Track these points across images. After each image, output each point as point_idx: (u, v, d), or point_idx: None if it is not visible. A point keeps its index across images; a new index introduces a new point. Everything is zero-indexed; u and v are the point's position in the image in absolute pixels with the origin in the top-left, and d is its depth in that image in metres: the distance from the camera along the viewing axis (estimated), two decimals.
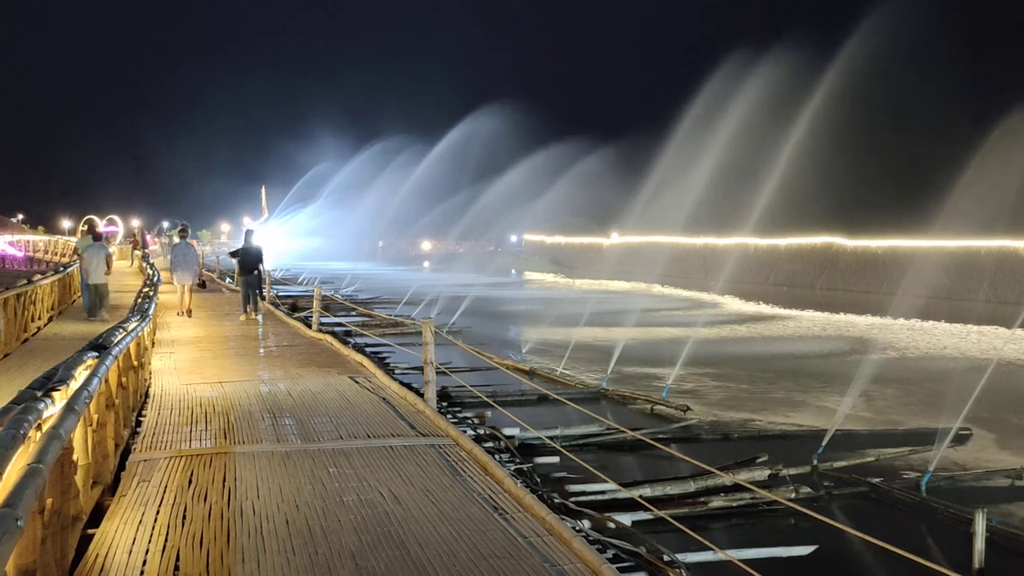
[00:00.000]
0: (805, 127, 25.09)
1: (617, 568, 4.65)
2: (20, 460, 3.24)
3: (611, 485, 7.33)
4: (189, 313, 18.43)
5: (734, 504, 7.99)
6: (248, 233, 19.12)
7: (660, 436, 9.95)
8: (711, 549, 5.34)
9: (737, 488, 7.83)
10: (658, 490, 7.88)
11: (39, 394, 4.18)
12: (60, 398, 4.31)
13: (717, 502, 7.95)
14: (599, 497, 7.60)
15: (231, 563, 4.69)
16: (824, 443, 9.79)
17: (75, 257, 21.19)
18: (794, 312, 31.55)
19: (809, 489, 8.50)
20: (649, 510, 6.06)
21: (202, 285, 19.59)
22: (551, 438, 9.01)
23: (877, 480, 9.05)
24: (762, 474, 8.47)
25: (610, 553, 5.35)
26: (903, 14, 24.58)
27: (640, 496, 6.93)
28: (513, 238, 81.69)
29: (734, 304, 35.33)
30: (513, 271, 62.76)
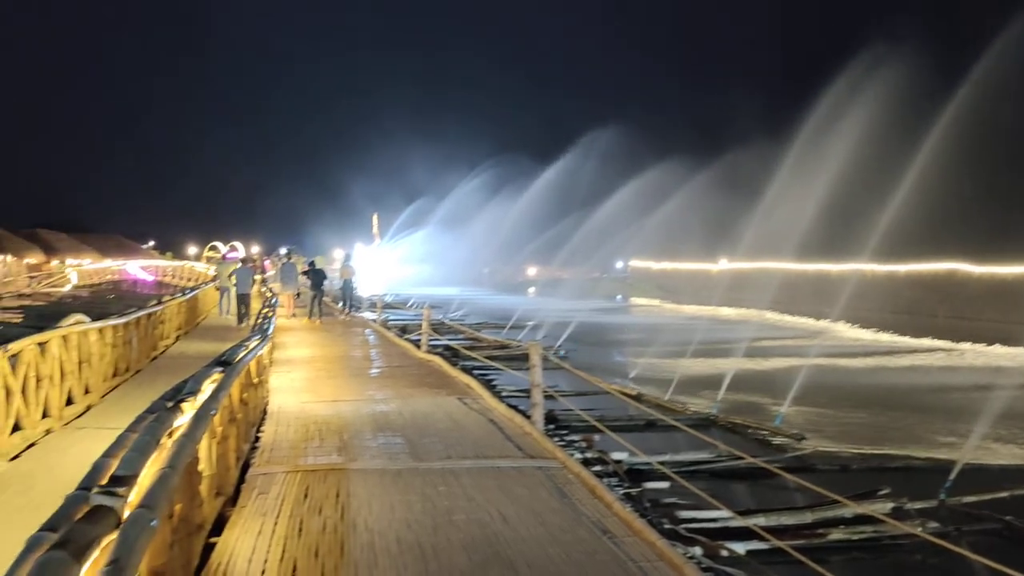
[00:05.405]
0: (930, 142, 23.87)
1: None
2: (153, 466, 3.41)
3: (724, 513, 7.12)
4: (294, 315, 25.26)
5: (854, 537, 7.62)
6: (312, 264, 26.81)
7: (774, 465, 9.60)
8: None
9: (858, 520, 7.47)
10: (773, 520, 7.60)
11: (170, 405, 4.39)
12: (189, 408, 4.51)
13: (836, 534, 7.60)
14: (711, 525, 7.39)
15: None
16: (952, 477, 9.24)
17: (210, 277, 29.46)
18: (915, 341, 30.06)
19: (936, 524, 8.02)
20: (764, 539, 5.85)
21: (297, 295, 26.40)
22: (660, 464, 8.84)
23: (1011, 517, 8.47)
24: (884, 507, 8.05)
25: None
26: None
27: (754, 525, 6.70)
28: (619, 264, 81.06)
29: (849, 332, 33.97)
30: (619, 297, 62.26)
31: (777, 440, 11.92)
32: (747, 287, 48.36)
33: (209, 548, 5.23)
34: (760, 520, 7.27)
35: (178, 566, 4.23)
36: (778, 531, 7.31)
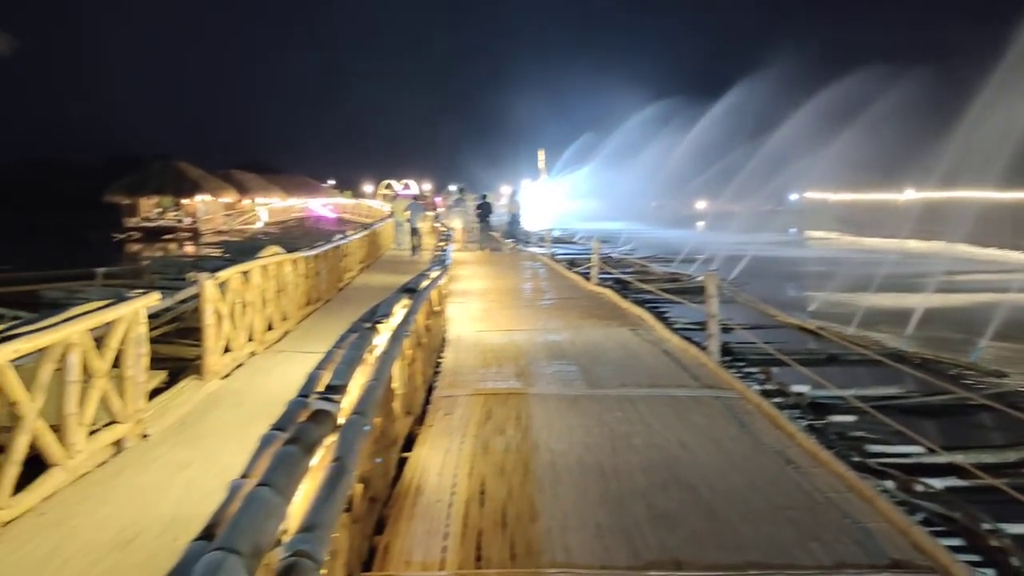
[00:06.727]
0: None
1: (928, 532, 4.32)
2: (359, 378, 3.64)
3: (917, 448, 6.78)
4: (465, 246, 27.14)
5: None
6: (484, 198, 29.50)
7: (971, 402, 8.99)
8: None
9: None
10: (972, 457, 7.09)
11: (368, 326, 4.66)
12: (384, 330, 4.77)
13: None
14: (903, 460, 7.06)
15: (531, 492, 4.97)
16: None
17: (387, 214, 32.81)
18: None
19: None
20: (963, 476, 5.53)
21: (468, 231, 29.29)
22: (844, 398, 8.51)
23: None
24: None
25: (920, 516, 4.98)
26: None
27: (958, 461, 6.33)
28: (793, 196, 77.46)
29: None
30: (793, 230, 59.62)
31: (974, 376, 11.13)
32: (937, 218, 44.83)
33: (402, 463, 5.56)
34: (958, 457, 6.86)
35: (378, 475, 4.54)
36: (978, 469, 6.90)
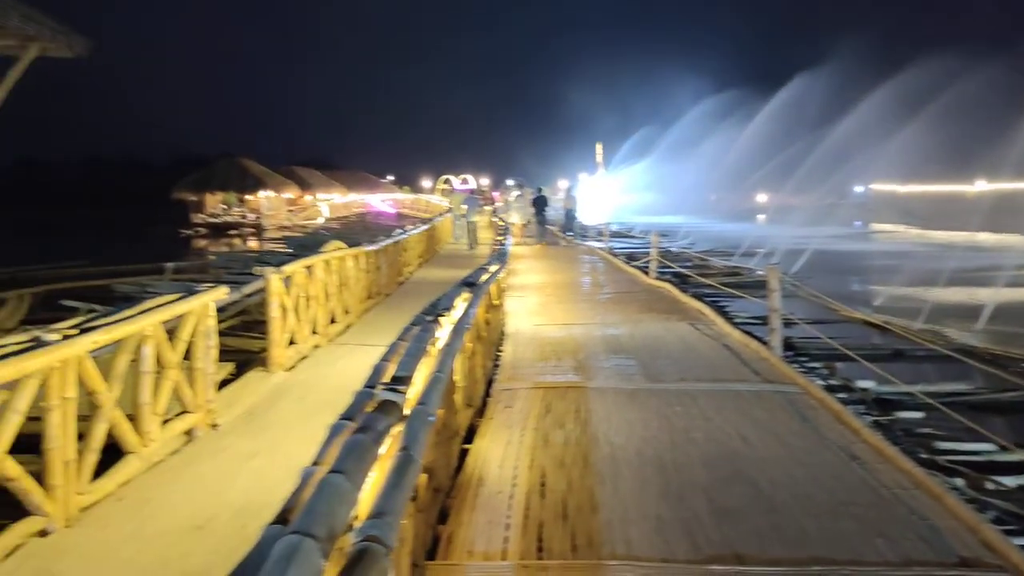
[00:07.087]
0: None
1: (999, 530, 4.22)
2: (424, 370, 3.71)
3: (988, 445, 6.61)
4: (523, 240, 27.16)
5: None
6: (539, 190, 30.20)
7: None
8: None
9: None
10: None
11: (430, 319, 4.73)
12: (446, 323, 4.84)
13: None
14: (974, 458, 6.89)
15: (591, 484, 5.00)
16: None
17: (445, 209, 34.22)
18: None
19: None
20: None
21: (525, 224, 29.24)
22: (911, 394, 8.32)
23: None
24: None
25: (990, 514, 4.86)
26: None
27: None
28: (858, 188, 75.65)
29: None
30: (857, 223, 58.25)
31: None
32: (1011, 210, 43.37)
33: (463, 454, 5.63)
34: None
35: (441, 465, 4.62)
36: None
